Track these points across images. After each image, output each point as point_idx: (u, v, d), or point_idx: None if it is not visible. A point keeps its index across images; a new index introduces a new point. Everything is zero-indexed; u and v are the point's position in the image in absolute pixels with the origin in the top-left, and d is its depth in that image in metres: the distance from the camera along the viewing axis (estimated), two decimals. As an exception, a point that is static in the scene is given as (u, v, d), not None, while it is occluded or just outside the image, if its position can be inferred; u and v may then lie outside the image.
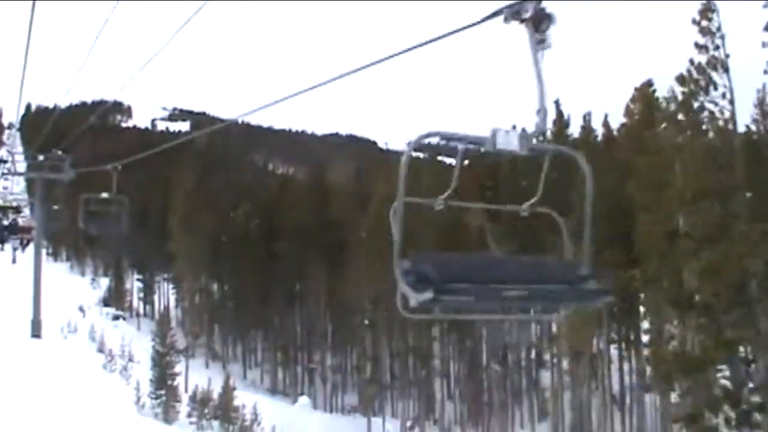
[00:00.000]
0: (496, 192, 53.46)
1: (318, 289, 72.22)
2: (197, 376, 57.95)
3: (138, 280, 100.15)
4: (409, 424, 53.83)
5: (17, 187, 62.56)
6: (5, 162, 54.24)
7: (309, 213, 73.30)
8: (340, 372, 76.15)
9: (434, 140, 5.17)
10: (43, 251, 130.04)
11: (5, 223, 50.10)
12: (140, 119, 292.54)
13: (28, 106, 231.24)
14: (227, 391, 43.33)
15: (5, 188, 62.36)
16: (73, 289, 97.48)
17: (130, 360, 63.78)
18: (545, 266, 5.68)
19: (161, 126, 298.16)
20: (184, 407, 42.23)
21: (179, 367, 44.43)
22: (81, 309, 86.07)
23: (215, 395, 43.97)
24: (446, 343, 61.25)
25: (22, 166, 54.13)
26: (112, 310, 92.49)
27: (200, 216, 78.00)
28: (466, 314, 7.46)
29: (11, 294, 74.20)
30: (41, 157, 52.02)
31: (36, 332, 56.41)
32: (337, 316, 75.40)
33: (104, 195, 20.58)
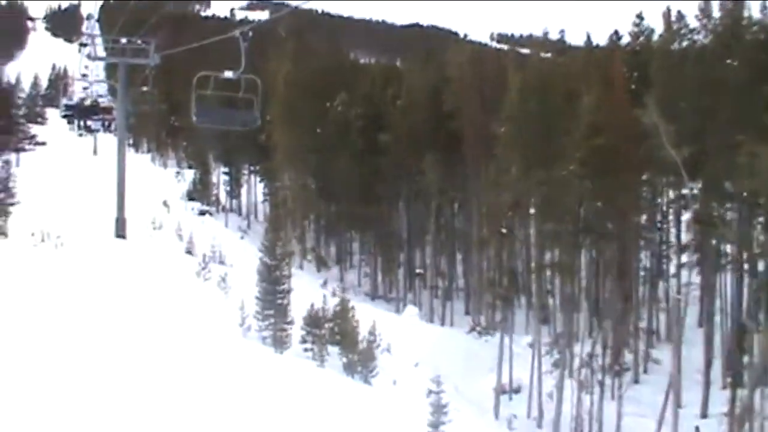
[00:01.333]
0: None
1: (431, 189, 63.67)
2: (302, 284, 50.78)
3: (224, 173, 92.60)
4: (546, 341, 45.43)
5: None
6: (86, 45, 49.34)
7: (417, 103, 64.41)
8: (449, 280, 68.23)
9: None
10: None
11: (87, 103, 46.95)
12: (219, 8, 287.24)
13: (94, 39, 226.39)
14: (345, 310, 35.49)
15: (87, 68, 55.95)
16: (157, 181, 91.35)
17: (222, 262, 57.33)
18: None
19: (240, 15, 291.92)
20: (296, 330, 34.38)
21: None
22: (165, 203, 79.70)
23: (330, 313, 35.94)
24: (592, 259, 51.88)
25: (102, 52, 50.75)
26: (197, 205, 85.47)
27: (294, 106, 69.89)
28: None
29: (94, 188, 69.02)
30: (124, 41, 45.74)
31: (120, 232, 49.84)
32: (449, 219, 67.16)
33: (228, 74, 14.92)
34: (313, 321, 34.25)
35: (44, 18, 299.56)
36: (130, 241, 49.95)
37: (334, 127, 68.67)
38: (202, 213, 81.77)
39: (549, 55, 59.60)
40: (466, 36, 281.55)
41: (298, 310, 35.76)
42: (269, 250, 35.00)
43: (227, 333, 33.45)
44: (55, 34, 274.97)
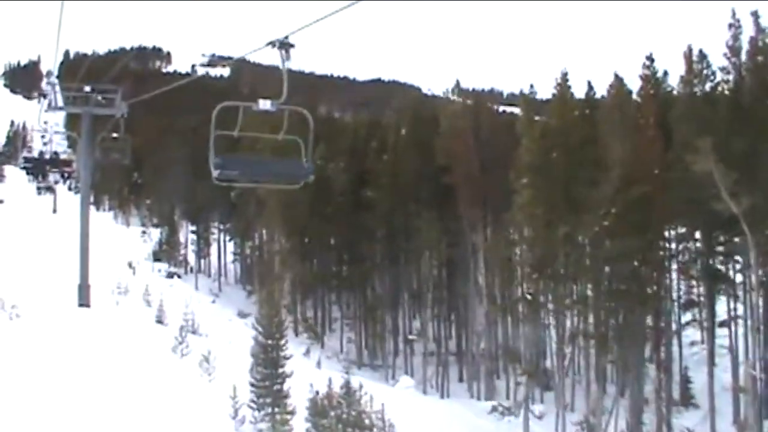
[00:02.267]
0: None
1: (423, 247, 58.30)
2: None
3: (192, 232, 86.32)
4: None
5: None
6: (46, 96, 45.01)
7: (407, 157, 59.24)
8: (445, 346, 62.41)
9: None
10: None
11: (46, 156, 42.86)
12: (180, 65, 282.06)
13: (67, 53, 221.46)
14: (350, 394, 29.81)
15: (45, 122, 51.92)
16: (120, 241, 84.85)
17: (195, 332, 51.73)
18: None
19: (201, 71, 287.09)
20: (299, 421, 28.61)
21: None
22: (130, 265, 73.71)
23: (336, 397, 30.26)
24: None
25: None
26: (164, 266, 79.38)
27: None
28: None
29: (54, 250, 63.34)
30: (87, 89, 40.58)
31: (84, 300, 43.95)
32: (443, 279, 61.56)
33: (264, 104, 12.56)
34: (319, 410, 28.41)
35: (3, 74, 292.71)
36: (95, 310, 43.73)
37: (313, 182, 62.86)
38: (170, 275, 75.80)
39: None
40: (430, 90, 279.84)
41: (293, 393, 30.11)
42: (265, 329, 29.20)
43: (217, 427, 27.67)
44: (13, 91, 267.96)
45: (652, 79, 47.76)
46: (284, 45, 8.89)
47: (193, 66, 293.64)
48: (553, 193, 40.56)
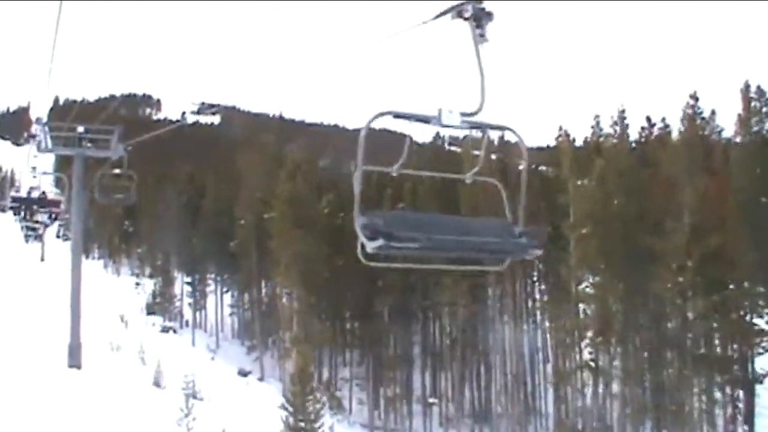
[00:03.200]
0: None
1: (443, 303, 53.15)
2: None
3: (187, 283, 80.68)
4: None
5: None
6: (35, 137, 42.40)
7: (426, 206, 54.26)
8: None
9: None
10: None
11: (34, 195, 43.34)
12: (170, 112, 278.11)
13: (56, 100, 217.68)
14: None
15: (34, 168, 48.64)
16: (111, 292, 79.20)
17: (195, 397, 46.55)
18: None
19: (191, 119, 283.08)
20: None
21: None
22: (122, 319, 68.25)
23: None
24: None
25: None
26: (159, 320, 73.90)
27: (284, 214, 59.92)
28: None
29: (41, 303, 58.15)
30: (80, 129, 36.50)
31: (74, 362, 38.61)
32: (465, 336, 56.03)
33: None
34: None
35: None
36: (86, 371, 38.58)
37: (324, 234, 58.45)
38: (165, 330, 70.28)
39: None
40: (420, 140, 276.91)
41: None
42: (298, 408, 23.95)
43: None
44: (2, 137, 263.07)
45: (697, 119, 43.23)
46: (479, 15, 5.62)
47: (183, 113, 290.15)
48: (616, 244, 35.57)
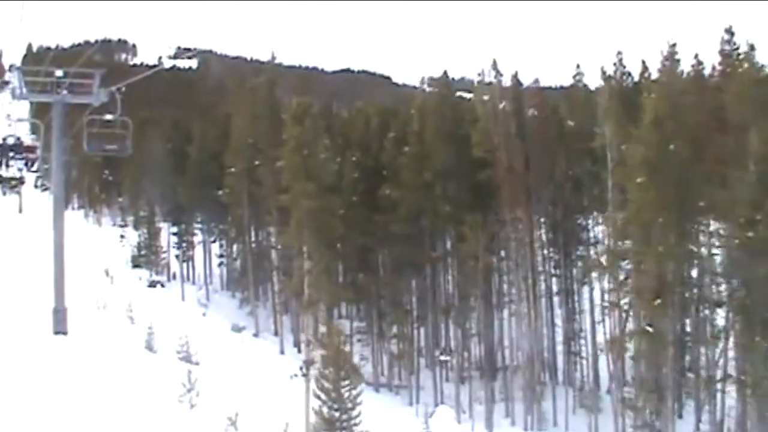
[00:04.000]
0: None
1: (460, 253, 49.31)
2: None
3: (174, 234, 76.20)
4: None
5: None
6: (8, 83, 47.78)
7: (433, 150, 50.15)
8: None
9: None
10: (51, 196, 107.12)
11: (10, 142, 42.00)
12: (146, 57, 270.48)
13: (29, 47, 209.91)
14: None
15: (8, 116, 50.20)
16: (93, 244, 74.67)
17: (189, 361, 43.06)
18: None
19: (168, 63, 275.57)
20: None
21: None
22: (107, 273, 64.04)
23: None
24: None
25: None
26: (145, 274, 69.69)
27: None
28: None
29: (21, 259, 53.81)
30: (59, 73, 32.05)
31: (60, 327, 34.61)
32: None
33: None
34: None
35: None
36: (73, 337, 34.58)
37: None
38: (152, 284, 66.17)
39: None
40: (402, 80, 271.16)
41: None
42: (335, 397, 20.07)
43: None
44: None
45: (734, 56, 39.20)
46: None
47: (159, 58, 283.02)
48: (671, 196, 31.67)
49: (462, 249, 47.15)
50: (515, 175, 44.54)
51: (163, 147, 74.01)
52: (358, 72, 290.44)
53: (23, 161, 46.89)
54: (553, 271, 54.45)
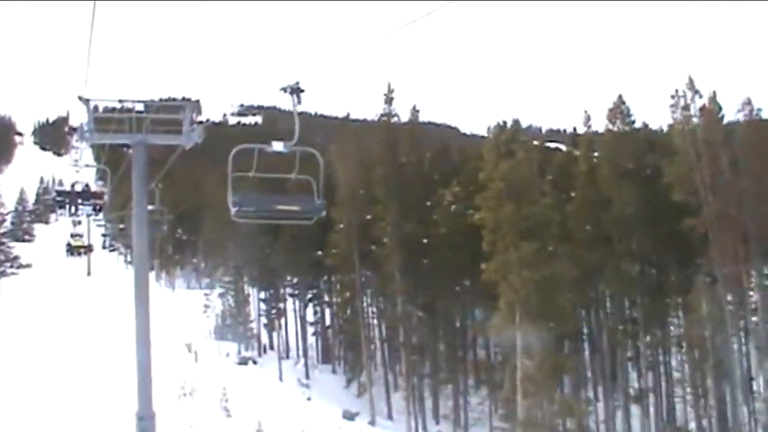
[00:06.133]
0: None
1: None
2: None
3: (262, 300, 65.12)
4: None
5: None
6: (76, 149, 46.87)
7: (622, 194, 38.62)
8: None
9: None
10: (119, 257, 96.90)
11: (77, 189, 35.00)
12: (210, 114, 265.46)
13: (95, 108, 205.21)
14: None
15: (76, 162, 45.21)
16: (168, 311, 63.81)
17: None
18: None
19: (233, 120, 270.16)
20: None
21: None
22: (190, 348, 53.98)
23: None
24: None
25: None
26: (232, 347, 59.02)
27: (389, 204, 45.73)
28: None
29: (88, 330, 45.66)
30: (140, 108, 20.65)
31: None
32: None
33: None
34: None
35: (32, 132, 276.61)
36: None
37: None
38: (243, 361, 55.40)
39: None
40: (470, 130, 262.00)
41: None
42: None
43: None
44: (43, 148, 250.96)
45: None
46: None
47: (224, 115, 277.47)
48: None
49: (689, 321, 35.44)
50: (730, 222, 32.99)
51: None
52: (426, 123, 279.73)
53: (91, 207, 42.92)
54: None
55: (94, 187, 46.22)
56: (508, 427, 33.70)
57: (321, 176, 13.42)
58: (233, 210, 9.14)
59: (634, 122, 40.77)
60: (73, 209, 51.62)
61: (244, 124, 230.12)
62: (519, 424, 27.39)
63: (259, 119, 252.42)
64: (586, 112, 43.68)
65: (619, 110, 39.85)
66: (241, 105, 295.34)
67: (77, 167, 48.52)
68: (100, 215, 50.30)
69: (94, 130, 24.54)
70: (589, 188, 38.89)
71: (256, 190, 11.01)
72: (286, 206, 9.76)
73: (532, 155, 33.28)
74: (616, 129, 39.84)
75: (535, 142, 59.95)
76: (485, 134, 57.75)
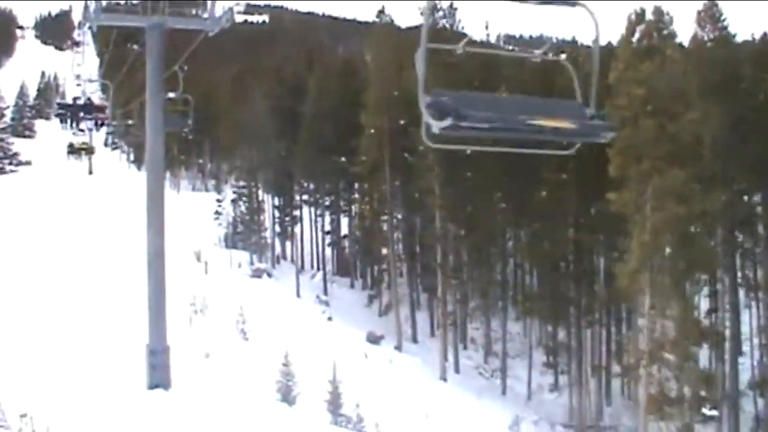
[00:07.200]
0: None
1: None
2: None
3: (276, 207, 60.02)
4: None
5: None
6: (78, 44, 52.25)
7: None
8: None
9: None
10: (124, 158, 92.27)
11: (80, 102, 37.96)
12: (215, 12, 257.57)
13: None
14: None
15: (78, 76, 47.81)
16: (174, 215, 58.39)
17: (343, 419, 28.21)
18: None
19: (239, 18, 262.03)
20: None
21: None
22: (198, 257, 49.21)
23: None
24: None
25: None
26: (243, 257, 54.03)
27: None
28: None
29: (91, 228, 45.13)
30: None
31: (159, 379, 19.17)
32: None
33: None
34: None
35: (33, 25, 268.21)
36: (177, 398, 18.72)
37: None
38: (256, 274, 50.50)
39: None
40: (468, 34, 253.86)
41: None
42: None
43: None
44: (44, 42, 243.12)
45: None
46: None
47: (230, 10, 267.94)
48: None
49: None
50: None
51: (264, 103, 58.01)
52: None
53: (93, 121, 44.88)
54: None
55: (96, 101, 44.58)
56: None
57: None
58: (437, 125, 4.42)
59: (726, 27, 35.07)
60: (75, 122, 47.57)
61: (251, 23, 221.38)
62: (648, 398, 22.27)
63: (266, 18, 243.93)
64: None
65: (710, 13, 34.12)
66: (248, 3, 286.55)
67: (79, 82, 45.55)
68: (102, 129, 50.47)
69: (101, 10, 18.67)
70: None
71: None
72: (547, 120, 4.60)
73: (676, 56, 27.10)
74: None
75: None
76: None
